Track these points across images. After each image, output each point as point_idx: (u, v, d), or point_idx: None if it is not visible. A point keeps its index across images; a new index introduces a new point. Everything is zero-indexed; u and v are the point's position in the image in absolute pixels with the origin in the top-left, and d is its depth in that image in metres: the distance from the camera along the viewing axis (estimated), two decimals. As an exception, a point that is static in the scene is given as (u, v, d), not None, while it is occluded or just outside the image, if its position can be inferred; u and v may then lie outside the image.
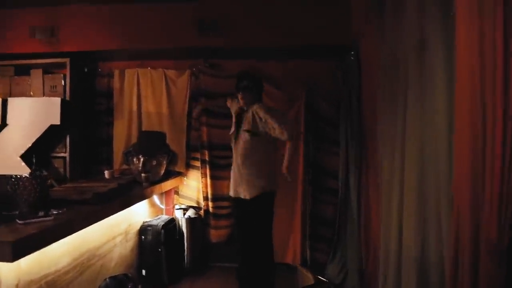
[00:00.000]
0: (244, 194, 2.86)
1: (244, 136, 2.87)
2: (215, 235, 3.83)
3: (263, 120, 2.82)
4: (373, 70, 2.71)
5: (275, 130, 2.81)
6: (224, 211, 3.82)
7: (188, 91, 3.91)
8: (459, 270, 1.30)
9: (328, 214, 3.72)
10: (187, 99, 3.91)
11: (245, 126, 2.89)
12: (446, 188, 1.59)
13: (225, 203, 3.77)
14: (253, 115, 2.87)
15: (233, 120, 3.05)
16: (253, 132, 2.85)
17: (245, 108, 2.94)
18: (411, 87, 1.96)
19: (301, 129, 3.73)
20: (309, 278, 3.07)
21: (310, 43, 3.47)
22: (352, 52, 3.24)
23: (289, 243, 3.77)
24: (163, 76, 3.93)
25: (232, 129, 3.03)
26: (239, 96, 2.90)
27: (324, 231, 3.72)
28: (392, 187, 2.20)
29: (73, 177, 3.62)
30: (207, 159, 3.84)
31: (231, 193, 3.00)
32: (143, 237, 3.35)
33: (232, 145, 3.02)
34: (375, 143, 2.66)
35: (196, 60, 3.90)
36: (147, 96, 3.95)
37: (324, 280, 3.05)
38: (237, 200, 2.95)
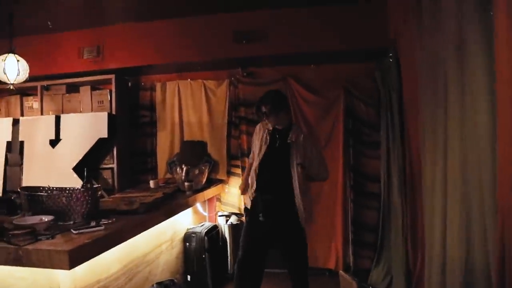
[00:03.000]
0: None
1: (297, 170, 2.62)
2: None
3: (309, 153, 2.69)
4: (413, 71, 2.65)
5: (319, 168, 2.72)
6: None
7: (227, 100, 3.97)
8: (506, 277, 1.26)
9: (370, 219, 3.65)
10: (227, 108, 3.97)
11: (297, 158, 2.64)
12: (490, 191, 1.54)
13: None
14: (304, 146, 2.67)
15: (262, 143, 2.74)
16: (304, 166, 2.67)
17: (277, 128, 2.72)
18: (451, 89, 1.91)
19: (341, 132, 3.70)
20: (351, 284, 3.03)
21: (347, 46, 3.44)
22: (391, 54, 3.18)
23: (331, 249, 3.73)
24: (203, 87, 4.02)
25: (261, 151, 2.73)
26: (270, 122, 2.70)
27: (367, 236, 3.65)
28: (435, 189, 2.15)
29: (121, 187, 3.77)
30: (247, 166, 3.89)
31: (261, 217, 2.67)
32: (187, 243, 3.43)
33: (257, 164, 2.71)
34: (418, 144, 2.60)
35: (234, 69, 3.97)
36: (187, 107, 4.05)
37: (367, 286, 2.99)
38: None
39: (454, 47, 1.83)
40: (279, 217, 2.66)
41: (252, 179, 2.74)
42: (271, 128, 2.74)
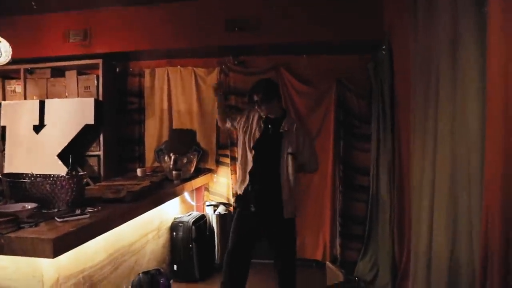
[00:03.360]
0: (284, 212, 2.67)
1: (288, 159, 2.63)
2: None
3: (301, 144, 2.70)
4: (406, 65, 2.66)
5: (310, 158, 2.73)
6: (254, 208, 3.84)
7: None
8: (488, 271, 1.29)
9: (359, 211, 3.70)
10: (217, 97, 3.97)
11: (288, 147, 2.64)
12: (478, 188, 1.56)
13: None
14: (297, 136, 2.68)
15: (255, 130, 2.72)
16: (296, 156, 2.67)
17: (270, 116, 2.70)
18: (443, 85, 1.92)
19: (332, 124, 3.72)
20: (338, 275, 3.08)
21: (341, 38, 3.44)
22: (384, 47, 3.18)
23: (319, 240, 3.78)
24: (193, 74, 3.99)
25: (254, 137, 2.71)
26: (262, 111, 2.67)
27: (355, 229, 3.70)
28: (422, 184, 2.18)
29: (107, 175, 3.76)
30: (236, 156, 3.89)
31: (253, 207, 2.67)
32: (174, 233, 3.44)
33: (250, 153, 2.70)
34: (408, 139, 2.63)
35: (225, 57, 3.94)
36: (177, 95, 4.04)
37: (353, 278, 3.04)
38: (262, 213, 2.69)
39: (448, 41, 1.83)
40: (269, 208, 2.66)
41: (245, 167, 2.72)
42: (264, 116, 2.73)
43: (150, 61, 4.14)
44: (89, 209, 2.17)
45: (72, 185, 2.21)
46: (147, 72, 4.10)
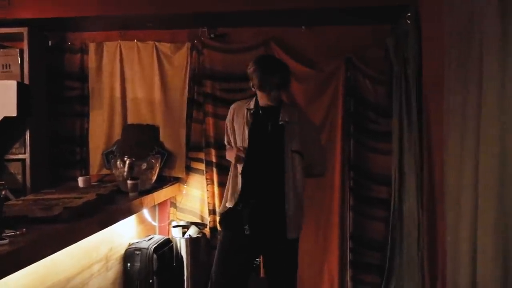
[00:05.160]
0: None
1: (294, 160, 2.66)
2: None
3: (308, 138, 2.73)
4: (438, 39, 2.66)
5: (318, 156, 2.78)
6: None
7: (188, 71, 3.95)
8: None
9: (375, 232, 3.72)
10: (187, 82, 3.95)
11: (291, 143, 2.66)
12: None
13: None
14: (301, 127, 2.72)
15: (244, 131, 2.73)
16: (302, 154, 2.69)
17: (263, 106, 2.72)
18: (488, 62, 1.90)
19: (339, 117, 3.72)
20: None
21: (350, 1, 3.41)
22: (409, 14, 3.18)
23: (324, 273, 3.77)
24: (154, 51, 3.98)
25: (242, 143, 2.72)
26: (268, 96, 2.66)
27: (370, 256, 3.71)
28: (461, 193, 2.17)
29: (36, 186, 3.66)
30: (214, 160, 3.87)
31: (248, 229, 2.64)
32: (129, 264, 3.41)
33: (239, 164, 2.71)
34: (441, 135, 2.62)
35: (197, 29, 3.92)
36: (133, 78, 4.01)
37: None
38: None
39: (497, 3, 1.81)
40: (268, 228, 2.66)
41: (235, 179, 2.73)
42: (253, 107, 2.73)
43: (96, 32, 4.10)
44: (8, 233, 2.10)
45: None
46: (92, 47, 4.06)
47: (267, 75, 2.63)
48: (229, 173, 2.84)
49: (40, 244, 2.13)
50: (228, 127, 2.86)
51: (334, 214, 3.73)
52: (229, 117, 2.86)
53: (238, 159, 2.69)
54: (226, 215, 2.78)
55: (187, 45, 3.95)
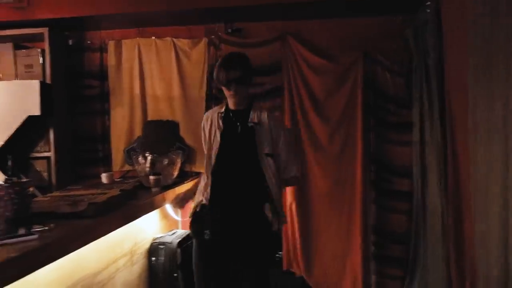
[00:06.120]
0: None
1: (268, 162, 2.62)
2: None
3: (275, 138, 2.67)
4: (460, 28, 2.61)
5: (288, 165, 2.70)
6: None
7: (206, 66, 3.94)
8: None
9: (398, 225, 3.68)
10: (205, 77, 3.94)
11: (263, 146, 2.63)
12: None
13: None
14: (270, 129, 2.66)
15: (216, 135, 2.70)
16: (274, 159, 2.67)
17: (233, 109, 2.69)
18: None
19: (359, 110, 3.69)
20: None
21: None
22: (429, 3, 3.13)
23: (346, 266, 3.75)
24: (173, 47, 3.99)
25: (214, 144, 2.69)
26: (230, 93, 2.62)
27: (393, 249, 3.68)
28: (489, 184, 2.13)
29: (61, 182, 3.71)
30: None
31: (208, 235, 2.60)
32: (153, 258, 3.43)
33: (209, 165, 2.68)
34: (465, 126, 2.57)
35: (215, 24, 3.93)
36: (152, 75, 4.03)
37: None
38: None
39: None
40: (239, 232, 2.59)
41: (205, 184, 2.68)
42: (222, 110, 2.70)
43: (114, 30, 4.11)
44: (37, 228, 2.13)
45: (13, 196, 2.16)
46: (111, 45, 4.08)
47: (223, 70, 2.58)
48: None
49: (67, 239, 2.15)
50: (202, 134, 2.80)
51: (356, 207, 3.70)
52: (203, 123, 2.80)
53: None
54: (195, 219, 2.72)
55: (204, 40, 3.95)
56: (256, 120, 2.64)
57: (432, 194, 3.20)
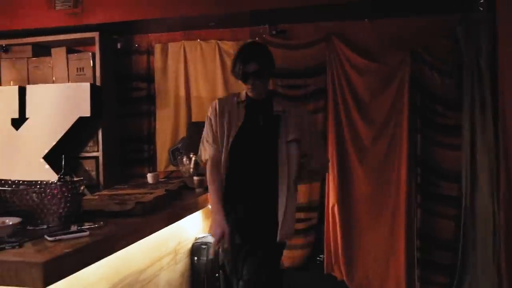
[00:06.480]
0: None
1: (288, 149, 2.43)
2: (288, 256, 3.79)
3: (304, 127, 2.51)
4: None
5: (314, 149, 2.54)
6: (301, 225, 3.77)
7: (250, 68, 3.94)
8: None
9: (445, 231, 3.59)
10: (249, 79, 3.94)
11: (288, 133, 2.45)
12: None
13: (302, 214, 3.74)
14: (295, 117, 2.50)
15: (233, 122, 2.48)
16: (299, 143, 2.49)
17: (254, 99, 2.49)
18: None
19: (405, 111, 3.62)
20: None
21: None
22: (482, 1, 3.05)
23: (390, 272, 3.68)
24: (217, 50, 4.01)
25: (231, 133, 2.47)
26: (248, 86, 2.44)
27: (440, 255, 3.59)
28: None
29: (108, 182, 3.79)
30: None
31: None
32: (196, 258, 3.42)
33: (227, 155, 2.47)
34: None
35: (259, 26, 3.93)
36: (197, 77, 4.06)
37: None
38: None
39: None
40: (259, 233, 2.44)
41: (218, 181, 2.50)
42: (244, 99, 2.51)
43: (161, 33, 4.18)
44: (88, 225, 2.17)
45: (65, 194, 2.20)
46: (157, 48, 4.14)
47: (239, 63, 2.40)
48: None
49: (116, 236, 2.16)
50: (212, 123, 2.53)
51: (401, 211, 3.62)
52: (212, 112, 2.55)
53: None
54: None
55: (249, 42, 3.97)
56: (281, 109, 2.50)
57: (482, 200, 3.14)
